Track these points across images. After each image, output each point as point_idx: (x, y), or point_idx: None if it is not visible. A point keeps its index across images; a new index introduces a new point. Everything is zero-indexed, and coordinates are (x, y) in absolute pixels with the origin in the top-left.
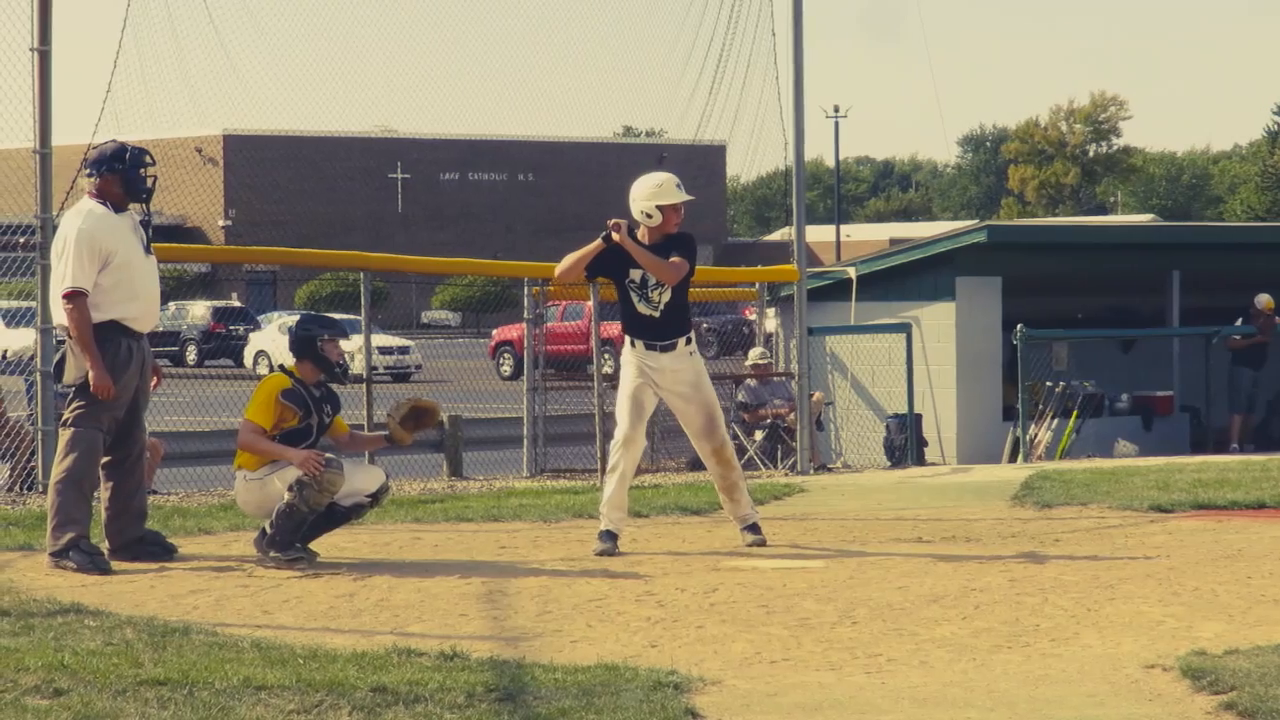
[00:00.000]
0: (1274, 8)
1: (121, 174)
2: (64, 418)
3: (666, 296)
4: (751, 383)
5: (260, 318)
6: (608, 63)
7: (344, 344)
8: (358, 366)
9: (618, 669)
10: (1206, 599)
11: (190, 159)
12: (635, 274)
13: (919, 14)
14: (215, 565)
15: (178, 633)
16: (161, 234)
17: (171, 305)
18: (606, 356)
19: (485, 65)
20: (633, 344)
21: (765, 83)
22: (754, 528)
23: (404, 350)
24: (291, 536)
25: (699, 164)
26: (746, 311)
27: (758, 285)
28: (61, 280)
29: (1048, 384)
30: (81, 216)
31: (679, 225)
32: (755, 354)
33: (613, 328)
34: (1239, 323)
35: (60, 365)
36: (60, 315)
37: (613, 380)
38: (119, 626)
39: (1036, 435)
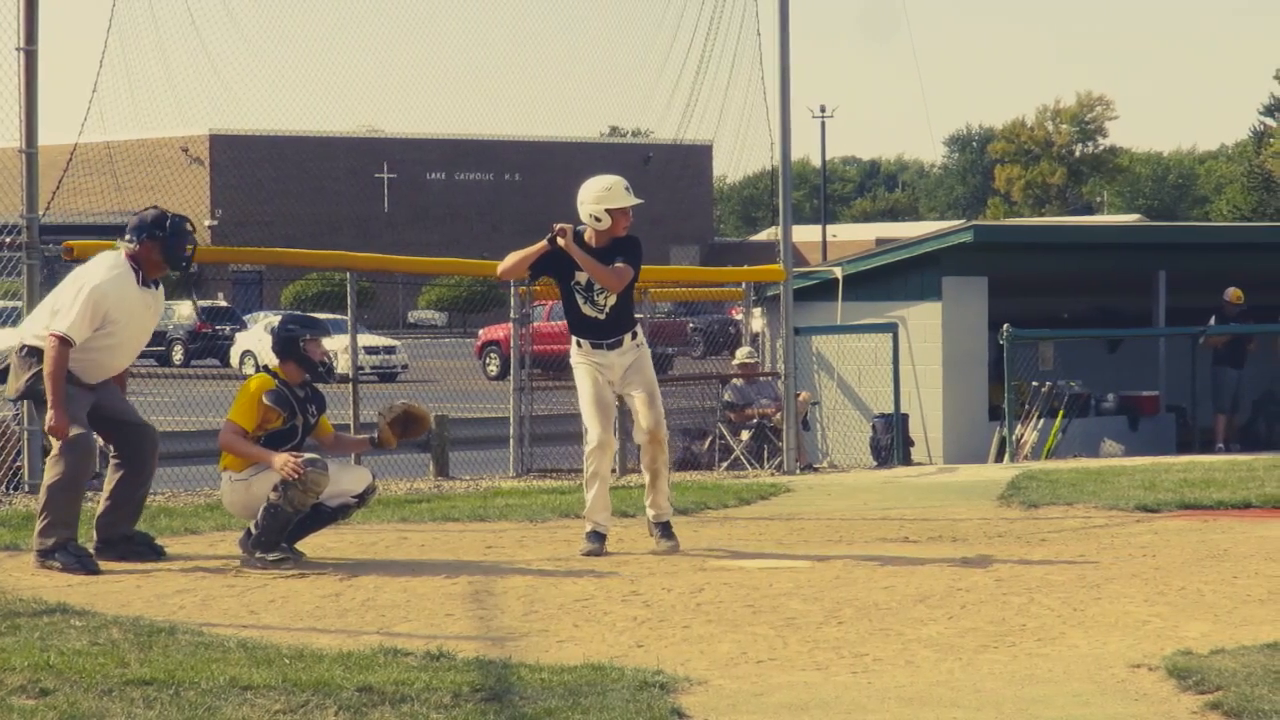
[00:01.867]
0: (1259, 8)
1: (162, 241)
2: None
3: (611, 300)
4: (738, 382)
5: (246, 317)
6: (594, 63)
7: (328, 343)
8: (344, 366)
9: (604, 669)
10: (1192, 599)
11: (176, 159)
12: (580, 277)
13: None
14: (201, 565)
15: (164, 632)
16: None
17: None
18: None
19: (471, 66)
20: (579, 344)
21: (751, 82)
22: (666, 528)
23: (390, 350)
24: (276, 537)
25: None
26: (733, 311)
27: (744, 285)
28: (59, 316)
29: (1034, 384)
30: (109, 271)
31: (628, 229)
32: (742, 353)
33: None
34: (1211, 322)
35: (2, 374)
36: (32, 331)
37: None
38: (105, 626)
39: (1023, 435)
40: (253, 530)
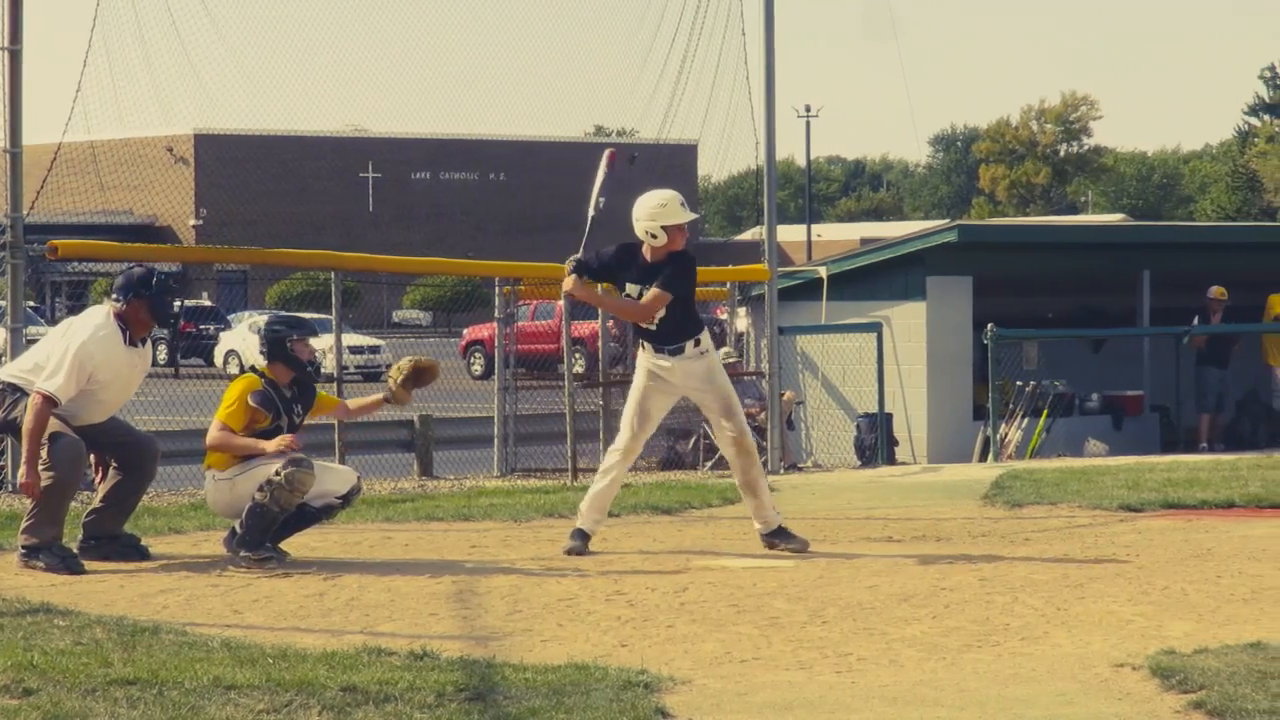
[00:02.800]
0: (1245, 8)
1: (149, 300)
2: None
3: (661, 313)
4: None
5: (231, 317)
6: (579, 62)
7: (314, 343)
8: (329, 366)
9: (588, 668)
10: (1176, 598)
11: (161, 158)
12: (631, 288)
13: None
14: (185, 564)
15: (147, 632)
16: (132, 233)
17: None
18: (577, 356)
19: (456, 65)
20: (642, 345)
21: (736, 82)
22: (780, 533)
23: (375, 350)
24: (261, 536)
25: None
26: (718, 311)
27: (729, 285)
28: (47, 375)
29: (1018, 383)
30: (97, 331)
31: (685, 242)
32: (721, 353)
33: (583, 327)
34: (1195, 321)
35: None
36: (15, 370)
37: (584, 379)
38: (88, 626)
39: (1007, 434)
40: (238, 530)
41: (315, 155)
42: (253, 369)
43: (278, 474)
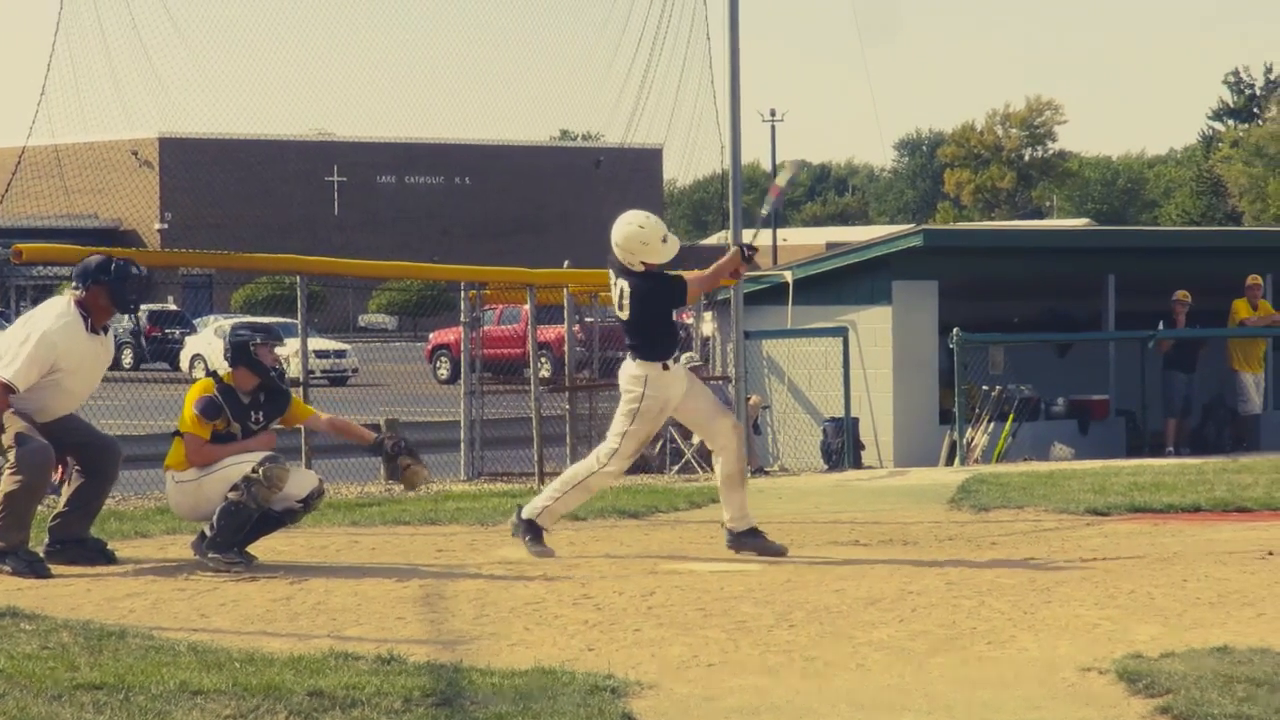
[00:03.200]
0: (1208, 14)
1: (108, 286)
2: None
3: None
4: None
5: (196, 321)
6: (545, 67)
7: (280, 350)
8: (294, 370)
9: (555, 673)
10: (1142, 602)
11: (126, 162)
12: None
13: (855, 18)
14: (152, 568)
15: (114, 636)
16: (97, 237)
17: None
18: (544, 360)
19: (422, 69)
20: (638, 365)
21: (701, 86)
22: (753, 533)
23: (340, 354)
24: (233, 537)
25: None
26: (683, 315)
27: None
28: (4, 362)
29: (984, 388)
30: (58, 320)
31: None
32: (687, 359)
33: (549, 331)
34: (1160, 327)
35: None
36: None
37: (550, 384)
38: (55, 630)
39: (973, 439)
40: (207, 532)
41: (280, 159)
42: (213, 374)
43: (255, 471)
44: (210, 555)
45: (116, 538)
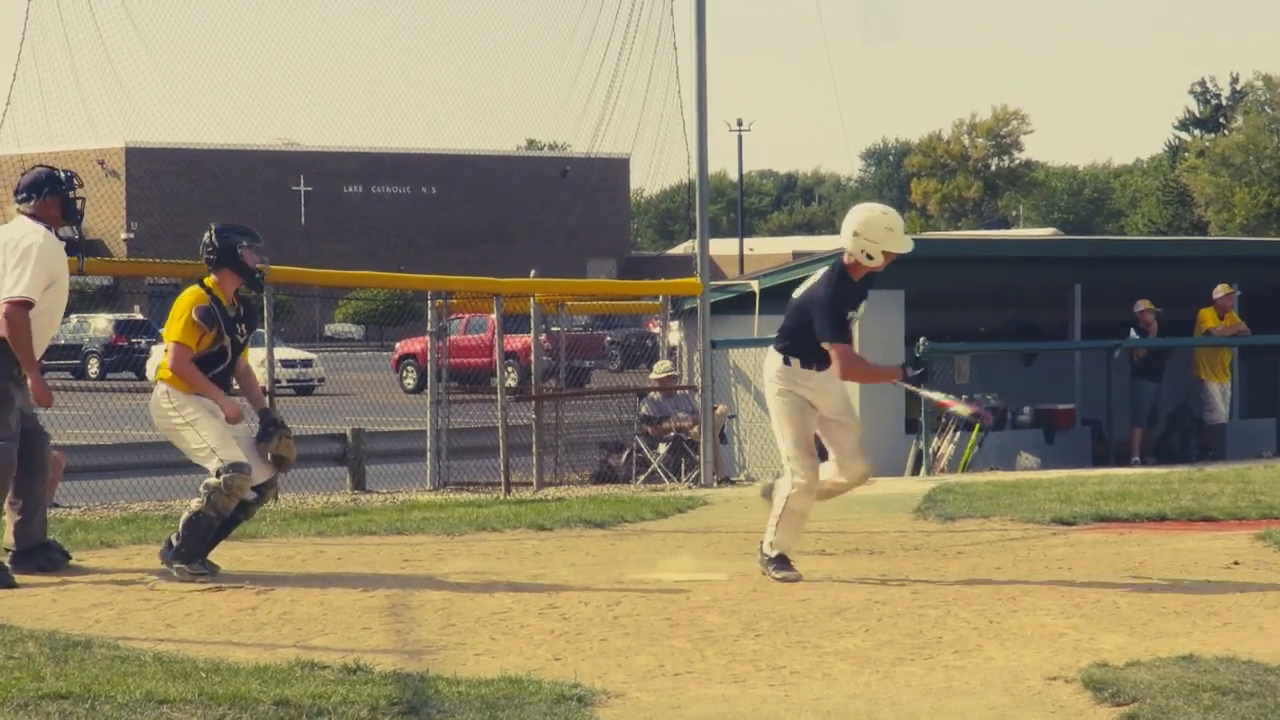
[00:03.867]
0: (1174, 23)
1: (60, 196)
2: None
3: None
4: (655, 396)
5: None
6: (510, 76)
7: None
8: (260, 379)
9: (521, 682)
10: (1108, 611)
11: (92, 171)
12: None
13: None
14: (117, 579)
15: (80, 646)
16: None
17: (73, 318)
18: (510, 369)
19: (387, 78)
20: (788, 365)
21: (668, 96)
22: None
23: (306, 364)
24: (198, 547)
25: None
26: (650, 325)
27: (661, 298)
28: (13, 286)
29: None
30: (35, 233)
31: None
32: (663, 367)
33: (516, 341)
34: (1131, 335)
35: None
36: None
37: (517, 393)
38: (21, 640)
39: (939, 448)
40: (173, 542)
41: (246, 168)
42: (199, 282)
43: (217, 475)
44: (176, 566)
45: (82, 547)
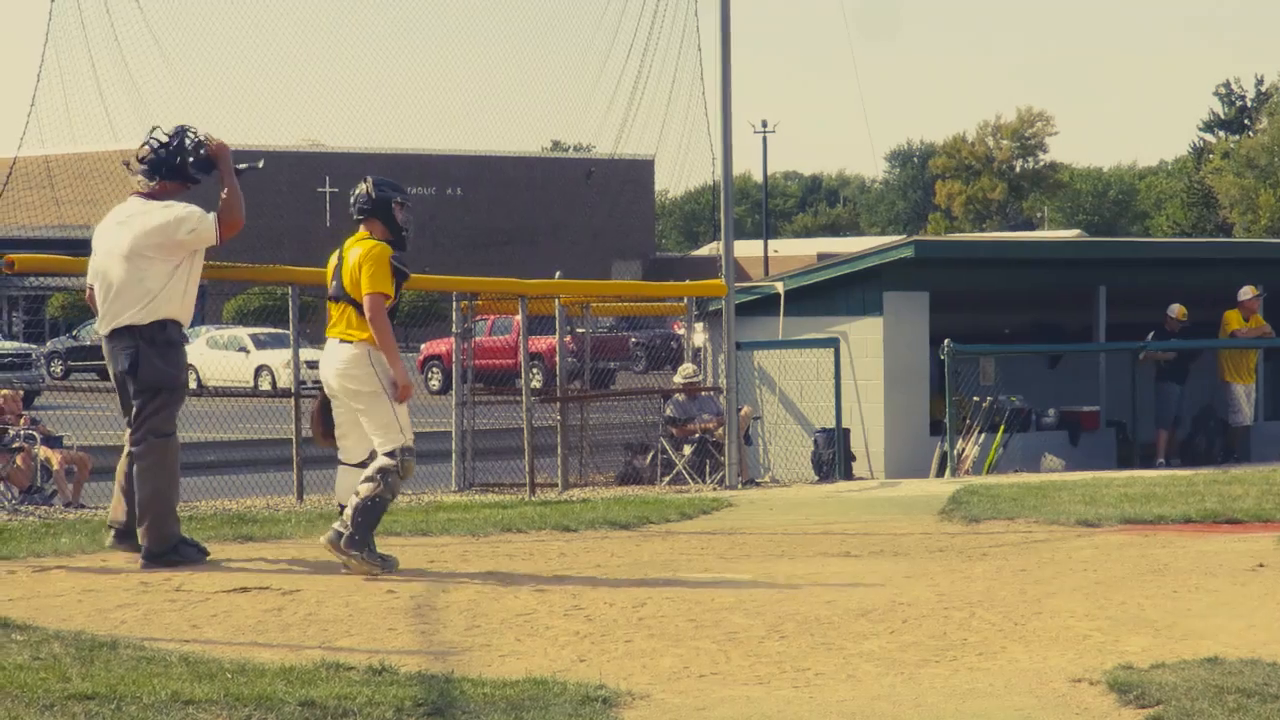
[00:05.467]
0: (1200, 24)
1: (186, 169)
2: (152, 425)
3: None
4: (680, 397)
5: (188, 331)
6: (535, 78)
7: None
8: (285, 381)
9: (546, 683)
10: (1133, 613)
11: (117, 173)
12: None
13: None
14: (144, 579)
15: (105, 647)
16: (88, 248)
17: None
18: (535, 371)
19: (412, 80)
20: None
21: (692, 97)
22: None
23: None
24: (370, 532)
25: (627, 178)
26: (675, 326)
27: (686, 300)
28: (190, 225)
29: (975, 399)
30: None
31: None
32: (688, 370)
33: (541, 342)
34: (1150, 337)
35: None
36: (128, 314)
37: (541, 394)
38: (46, 641)
39: (964, 450)
40: (341, 530)
41: (271, 169)
42: (368, 236)
43: (392, 456)
44: (354, 555)
45: (103, 549)
